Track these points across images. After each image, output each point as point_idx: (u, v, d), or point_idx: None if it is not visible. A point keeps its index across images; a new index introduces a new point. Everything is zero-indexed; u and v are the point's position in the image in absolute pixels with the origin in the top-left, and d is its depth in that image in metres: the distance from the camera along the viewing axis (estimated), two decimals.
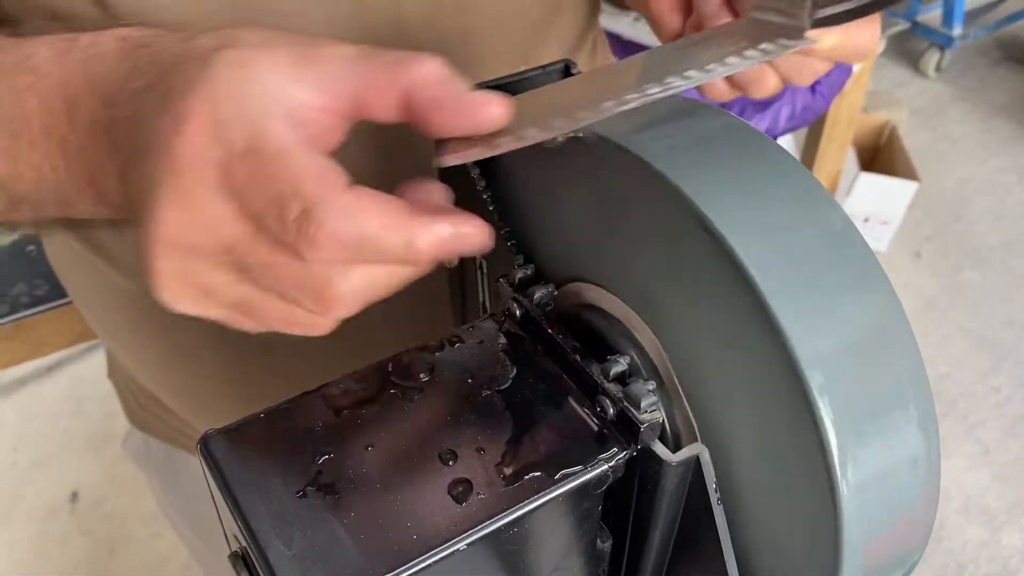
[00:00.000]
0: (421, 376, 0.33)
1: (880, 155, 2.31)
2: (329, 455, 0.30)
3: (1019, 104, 2.82)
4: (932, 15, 2.79)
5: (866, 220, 2.20)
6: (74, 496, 1.70)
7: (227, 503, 0.29)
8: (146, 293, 0.61)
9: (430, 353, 0.33)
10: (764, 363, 0.27)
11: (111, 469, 1.75)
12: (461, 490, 0.29)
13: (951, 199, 2.45)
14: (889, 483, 0.27)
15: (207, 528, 0.75)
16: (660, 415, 0.30)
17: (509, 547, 0.29)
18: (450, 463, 0.30)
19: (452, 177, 0.37)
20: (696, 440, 0.31)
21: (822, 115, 1.15)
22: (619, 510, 0.32)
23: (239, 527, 0.28)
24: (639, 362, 0.32)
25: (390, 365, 0.33)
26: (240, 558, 0.29)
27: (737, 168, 0.29)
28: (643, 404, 0.29)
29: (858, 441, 0.26)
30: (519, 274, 0.34)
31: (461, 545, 0.28)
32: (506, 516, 0.28)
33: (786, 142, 1.73)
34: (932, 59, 2.86)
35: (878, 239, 2.24)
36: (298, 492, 0.29)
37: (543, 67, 0.38)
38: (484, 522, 0.28)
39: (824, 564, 0.28)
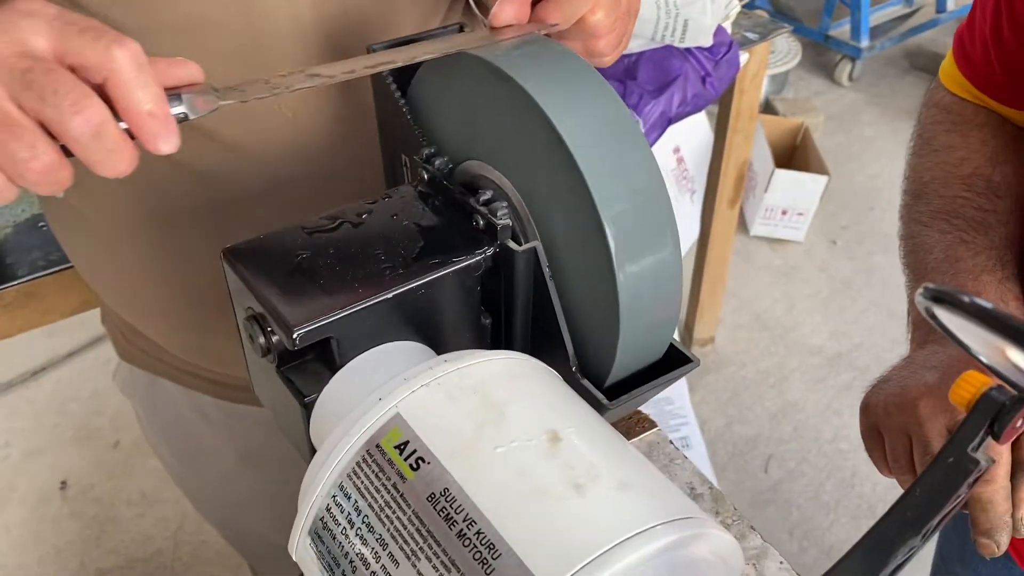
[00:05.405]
0: (363, 215, 0.51)
1: (796, 155, 2.54)
2: (306, 254, 0.48)
3: None
4: (842, 29, 3.06)
5: (784, 212, 2.41)
6: (64, 484, 1.83)
7: (244, 284, 0.47)
8: (111, 224, 0.76)
9: (368, 203, 0.52)
10: (575, 199, 0.45)
11: (98, 459, 1.88)
12: (389, 271, 0.47)
13: (864, 192, 2.69)
14: (650, 276, 0.45)
15: (181, 447, 0.90)
16: (510, 221, 0.48)
17: (421, 305, 0.47)
18: (382, 258, 0.48)
19: (382, 95, 0.56)
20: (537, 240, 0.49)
21: (714, 101, 1.36)
22: (492, 297, 0.51)
23: (254, 297, 0.46)
24: (499, 196, 0.50)
25: (342, 210, 0.51)
26: (254, 318, 0.47)
27: (561, 75, 0.48)
28: (499, 213, 0.48)
29: (631, 252, 0.44)
30: (425, 151, 0.52)
31: (390, 295, 0.46)
32: (417, 280, 0.46)
33: (702, 130, 1.95)
34: (845, 69, 3.13)
35: (796, 228, 2.45)
36: (287, 273, 0.47)
37: (442, 27, 0.57)
38: (404, 283, 0.46)
39: (611, 325, 0.46)
